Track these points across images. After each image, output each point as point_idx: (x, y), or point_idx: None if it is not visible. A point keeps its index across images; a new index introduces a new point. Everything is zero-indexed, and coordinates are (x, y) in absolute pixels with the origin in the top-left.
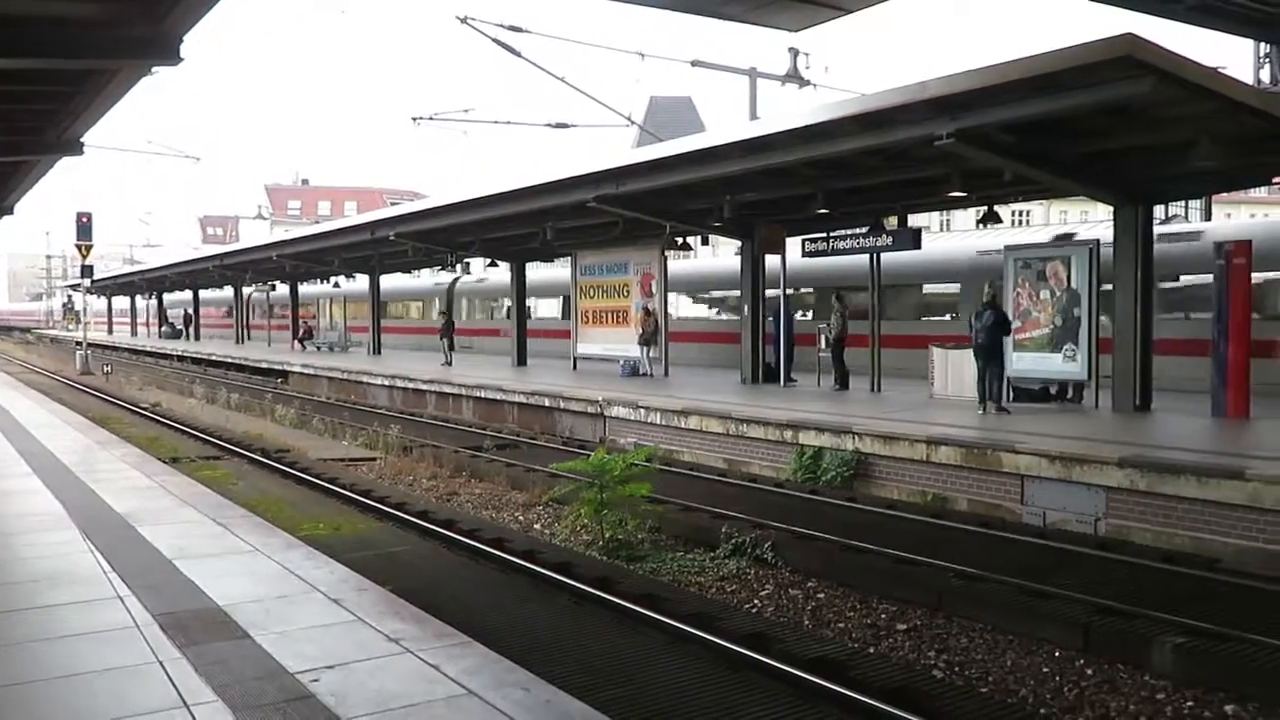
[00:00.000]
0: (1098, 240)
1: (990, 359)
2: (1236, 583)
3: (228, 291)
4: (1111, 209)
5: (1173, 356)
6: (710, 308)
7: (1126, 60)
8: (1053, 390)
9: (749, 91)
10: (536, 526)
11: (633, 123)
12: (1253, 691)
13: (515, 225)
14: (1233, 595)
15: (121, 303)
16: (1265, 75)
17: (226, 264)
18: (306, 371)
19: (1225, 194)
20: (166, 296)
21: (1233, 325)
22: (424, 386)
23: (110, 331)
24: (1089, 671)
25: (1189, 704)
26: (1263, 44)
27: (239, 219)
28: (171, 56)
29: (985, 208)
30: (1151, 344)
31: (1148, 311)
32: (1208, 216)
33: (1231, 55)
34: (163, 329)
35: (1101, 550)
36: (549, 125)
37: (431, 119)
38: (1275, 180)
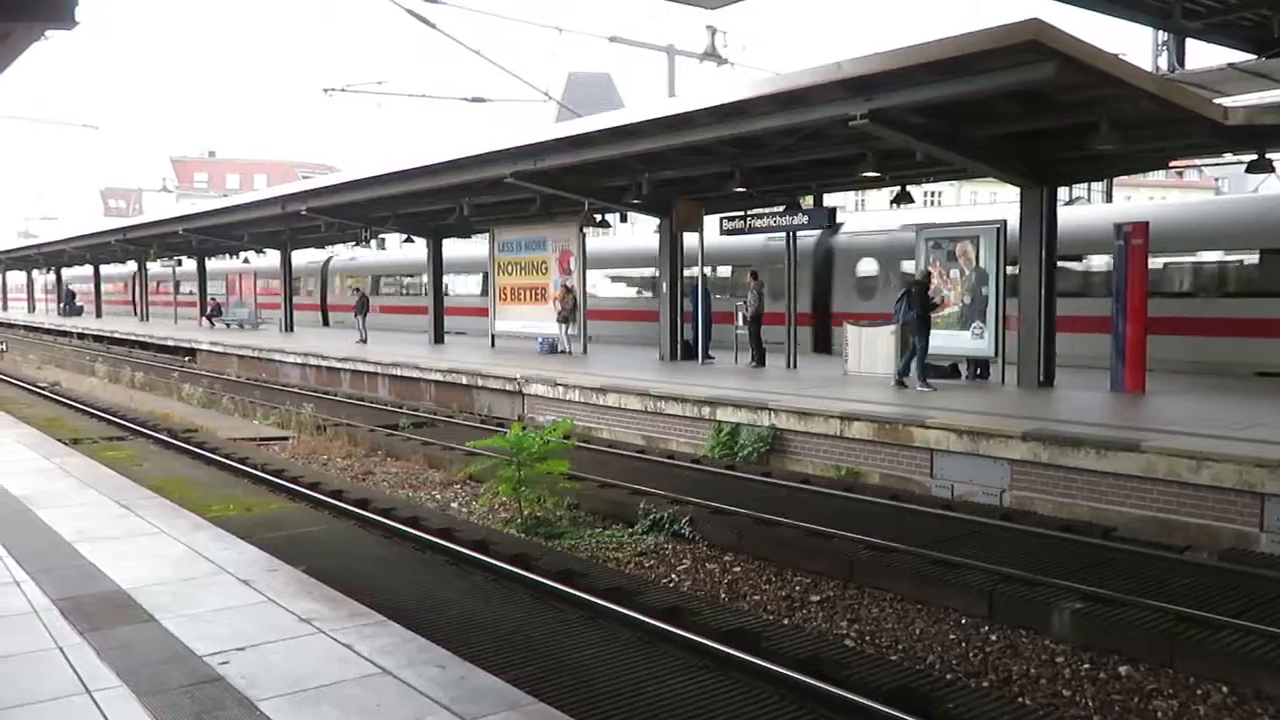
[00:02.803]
0: (1005, 221)
1: (915, 336)
2: (1131, 550)
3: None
4: (1019, 190)
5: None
6: (629, 286)
7: (1032, 45)
8: (961, 367)
9: (667, 69)
10: (454, 505)
11: (551, 98)
12: (1144, 653)
13: (431, 201)
14: (1127, 562)
15: (17, 279)
16: (1163, 62)
17: (130, 238)
18: (215, 349)
19: (1126, 177)
20: (66, 271)
21: (1130, 304)
22: (338, 364)
23: (5, 308)
24: (993, 637)
25: (1085, 666)
26: (1161, 32)
27: (142, 192)
28: (65, 19)
29: (899, 188)
30: (1055, 322)
31: (1051, 290)
32: (1109, 199)
33: (1132, 43)
34: (62, 306)
35: (1005, 521)
36: (465, 99)
37: (344, 91)
38: (1172, 164)
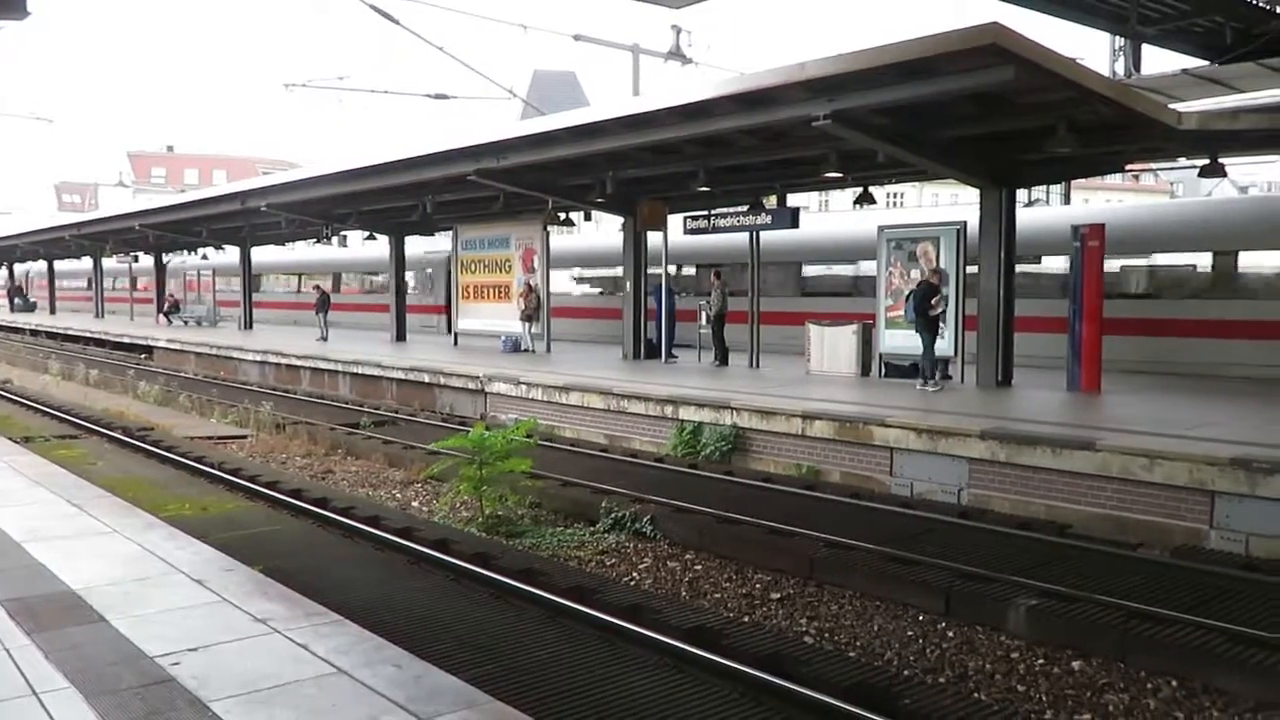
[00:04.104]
0: (965, 222)
1: (923, 334)
2: (1085, 547)
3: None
4: (979, 191)
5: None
6: (592, 286)
7: (991, 49)
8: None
9: (632, 68)
10: (415, 504)
11: (515, 96)
12: (1097, 648)
13: (394, 198)
14: (1081, 559)
15: None
16: (1120, 67)
17: (85, 233)
18: (172, 347)
19: (1084, 179)
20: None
21: (1086, 305)
22: (298, 362)
23: None
24: (950, 634)
25: (1040, 661)
26: (1118, 37)
27: (98, 186)
28: (17, 10)
29: (861, 188)
30: (1013, 322)
31: (1010, 290)
32: (1067, 201)
33: (1090, 48)
34: (15, 302)
35: (963, 518)
36: (428, 96)
37: (305, 86)
38: (1128, 167)
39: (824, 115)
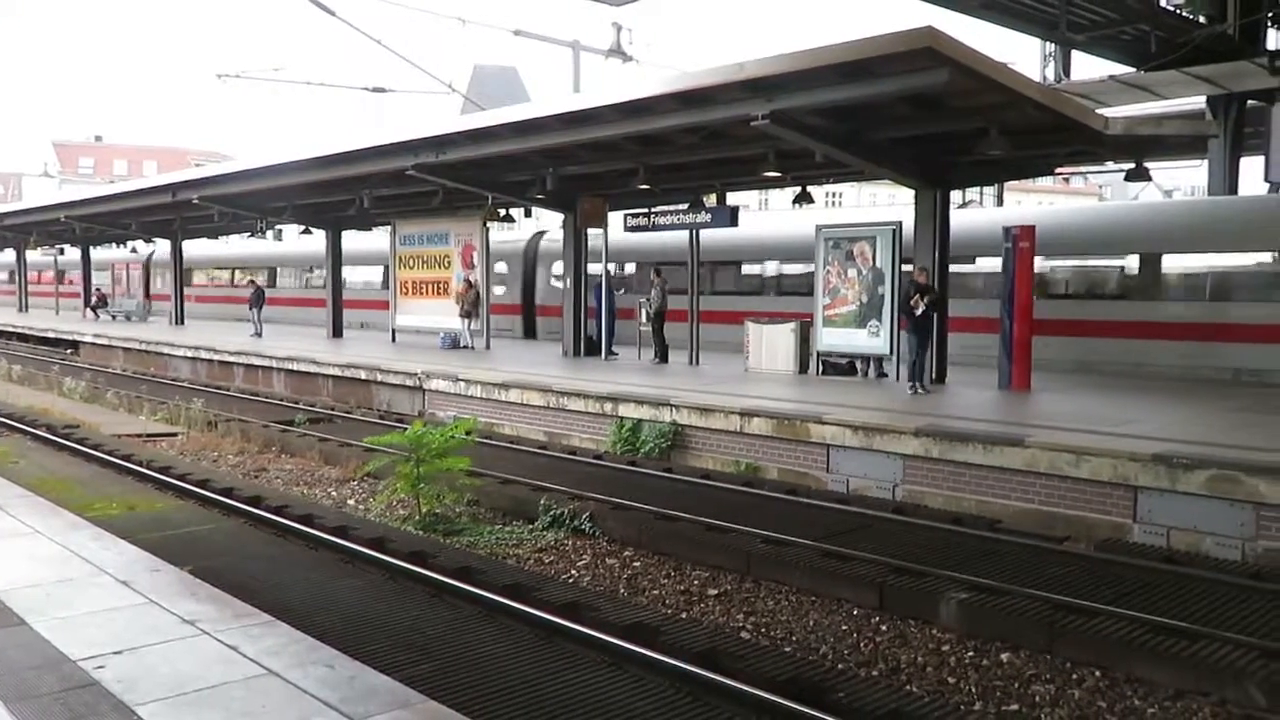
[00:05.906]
0: (900, 222)
1: (915, 336)
2: (1015, 541)
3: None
4: (914, 192)
5: None
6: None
7: (926, 52)
8: (858, 364)
9: (573, 64)
10: (351, 502)
11: (454, 90)
12: (1025, 640)
13: (330, 192)
14: (1011, 553)
15: None
16: (1050, 72)
17: (7, 224)
18: (100, 342)
19: (1016, 182)
20: None
21: (1017, 305)
22: (231, 358)
23: None
24: (884, 628)
25: (970, 654)
26: (1048, 43)
27: (22, 176)
28: None
29: (800, 188)
30: (947, 320)
31: (944, 289)
32: (1000, 203)
33: (1021, 53)
34: None
35: (898, 514)
36: (366, 89)
37: (239, 77)
38: (1058, 171)
39: (763, 115)
